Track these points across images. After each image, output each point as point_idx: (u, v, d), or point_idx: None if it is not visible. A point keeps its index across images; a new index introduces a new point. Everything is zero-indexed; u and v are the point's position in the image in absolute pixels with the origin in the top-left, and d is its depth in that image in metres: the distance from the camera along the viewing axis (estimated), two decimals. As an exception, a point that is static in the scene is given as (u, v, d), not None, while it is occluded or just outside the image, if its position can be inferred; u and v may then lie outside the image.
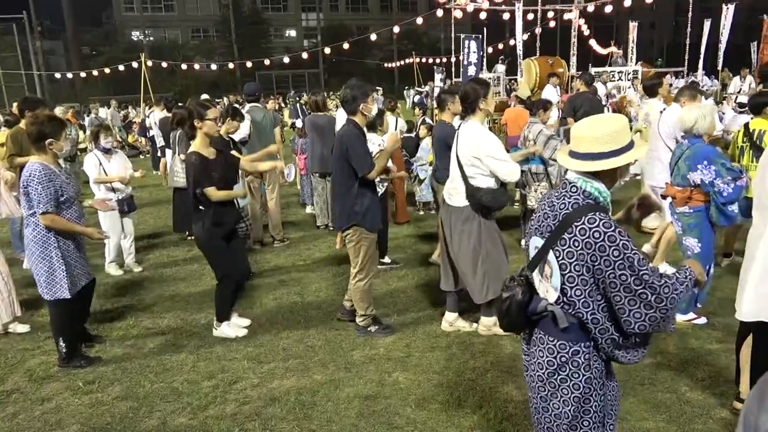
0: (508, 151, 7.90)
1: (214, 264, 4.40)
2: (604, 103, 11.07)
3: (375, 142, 5.02)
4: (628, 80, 14.96)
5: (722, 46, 17.49)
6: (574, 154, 2.04)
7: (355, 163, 4.04)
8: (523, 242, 6.23)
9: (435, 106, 7.13)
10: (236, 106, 6.73)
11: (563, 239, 1.94)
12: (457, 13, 17.81)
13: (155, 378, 3.86)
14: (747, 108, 9.93)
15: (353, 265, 4.33)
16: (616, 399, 2.23)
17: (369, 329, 4.37)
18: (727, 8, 16.46)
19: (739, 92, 15.29)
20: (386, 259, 5.97)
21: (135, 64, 19.79)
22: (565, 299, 1.99)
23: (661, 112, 5.99)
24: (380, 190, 5.17)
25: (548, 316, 2.05)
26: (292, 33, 53.41)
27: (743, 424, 0.80)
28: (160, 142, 10.49)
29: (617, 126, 1.99)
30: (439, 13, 19.96)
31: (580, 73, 11.75)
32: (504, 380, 3.62)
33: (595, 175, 2.00)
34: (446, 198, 4.19)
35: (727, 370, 3.58)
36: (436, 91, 20.15)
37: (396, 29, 23.19)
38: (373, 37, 26.87)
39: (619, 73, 14.88)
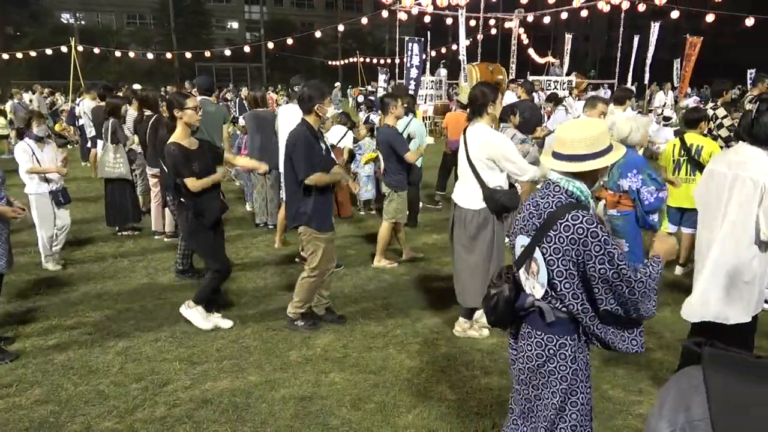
0: (450, 153, 8.07)
1: (205, 256, 4.38)
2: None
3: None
4: (563, 89, 15.56)
5: (648, 61, 18.52)
6: (558, 156, 2.13)
7: (296, 166, 4.05)
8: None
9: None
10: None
11: (549, 236, 2.04)
12: (402, 15, 17.96)
13: (79, 380, 3.69)
14: (670, 121, 10.56)
15: (308, 262, 4.32)
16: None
17: (296, 323, 4.41)
18: (654, 26, 17.44)
19: (663, 106, 16.23)
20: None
21: (64, 49, 18.75)
22: (554, 293, 2.10)
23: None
24: None
25: (535, 312, 2.15)
26: (234, 25, 52.17)
27: (647, 428, 0.86)
28: (90, 132, 9.99)
29: (599, 130, 2.11)
30: (384, 14, 20.05)
31: (521, 81, 12.13)
32: (438, 380, 3.69)
33: (577, 176, 2.11)
34: (458, 201, 4.16)
35: (646, 368, 3.82)
36: (380, 91, 20.23)
37: (341, 27, 23.13)
38: (318, 34, 26.60)
39: (555, 82, 15.45)
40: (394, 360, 3.96)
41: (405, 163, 5.69)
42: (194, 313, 4.41)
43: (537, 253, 2.09)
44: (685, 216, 5.40)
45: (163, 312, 4.75)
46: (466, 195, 4.09)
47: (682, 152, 5.28)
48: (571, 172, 2.10)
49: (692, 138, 5.27)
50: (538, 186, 2.36)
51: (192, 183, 4.06)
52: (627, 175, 4.22)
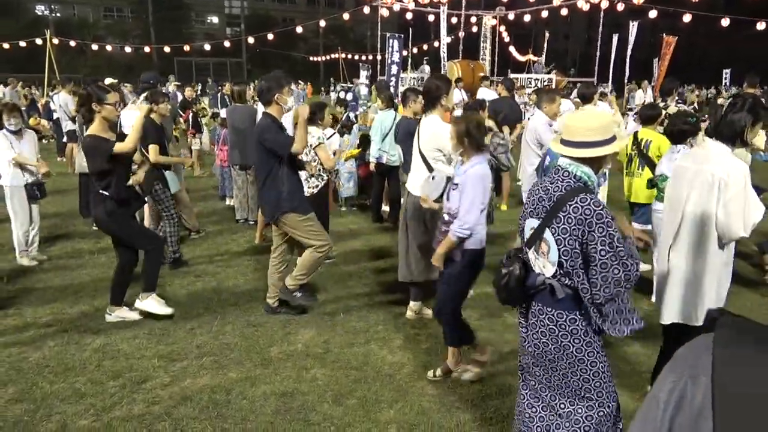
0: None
1: (132, 241, 4.34)
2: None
3: (314, 135, 4.99)
4: (544, 86, 15.67)
5: (627, 60, 18.77)
6: (567, 143, 2.28)
7: (275, 147, 4.03)
8: None
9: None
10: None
11: (558, 217, 2.18)
12: (384, 12, 17.92)
13: (55, 378, 3.62)
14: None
15: (309, 248, 4.31)
16: None
17: (295, 294, 4.41)
18: (633, 25, 17.67)
19: (642, 104, 16.46)
20: None
21: (39, 41, 18.35)
22: (561, 271, 2.23)
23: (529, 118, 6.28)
24: (319, 184, 5.26)
25: (546, 289, 2.28)
26: (215, 19, 51.64)
27: (655, 384, 0.89)
28: (65, 126, 9.82)
29: (606, 120, 2.30)
30: (366, 10, 19.99)
31: (502, 78, 12.20)
32: (420, 375, 3.70)
33: (585, 161, 2.25)
34: (411, 189, 4.32)
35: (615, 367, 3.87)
36: (362, 88, 20.17)
37: (322, 23, 23.00)
38: (299, 29, 26.42)
39: (535, 80, 15.57)
40: (375, 356, 3.96)
41: None
42: (150, 302, 4.40)
43: (547, 234, 2.22)
44: (636, 211, 5.36)
45: (142, 309, 4.68)
46: (418, 182, 4.23)
47: (634, 147, 5.26)
48: (580, 158, 2.24)
49: (644, 133, 5.26)
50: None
51: (120, 146, 4.03)
52: None
